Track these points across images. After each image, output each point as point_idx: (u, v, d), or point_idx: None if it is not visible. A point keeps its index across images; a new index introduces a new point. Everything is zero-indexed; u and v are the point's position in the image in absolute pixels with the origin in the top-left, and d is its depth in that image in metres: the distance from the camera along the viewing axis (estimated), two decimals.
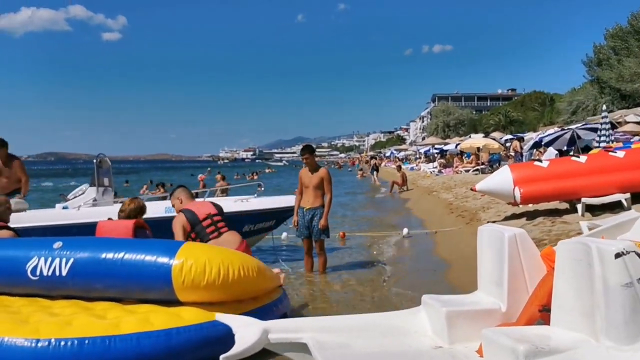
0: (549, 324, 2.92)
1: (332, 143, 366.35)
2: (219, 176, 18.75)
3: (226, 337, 3.55)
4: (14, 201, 8.26)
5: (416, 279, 7.13)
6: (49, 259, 4.32)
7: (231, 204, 8.18)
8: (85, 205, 8.32)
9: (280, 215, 8.43)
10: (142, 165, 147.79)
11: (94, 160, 8.85)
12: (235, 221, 7.99)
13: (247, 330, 3.44)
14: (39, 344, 3.74)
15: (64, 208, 8.66)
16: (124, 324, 3.91)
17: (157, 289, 4.14)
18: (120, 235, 4.70)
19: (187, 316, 4.05)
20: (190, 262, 4.07)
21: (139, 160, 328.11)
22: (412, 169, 35.56)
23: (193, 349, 3.92)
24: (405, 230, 10.70)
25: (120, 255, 4.24)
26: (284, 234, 10.38)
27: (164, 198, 10.33)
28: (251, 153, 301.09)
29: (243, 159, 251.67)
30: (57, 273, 4.29)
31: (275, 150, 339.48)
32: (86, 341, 3.76)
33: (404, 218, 14.24)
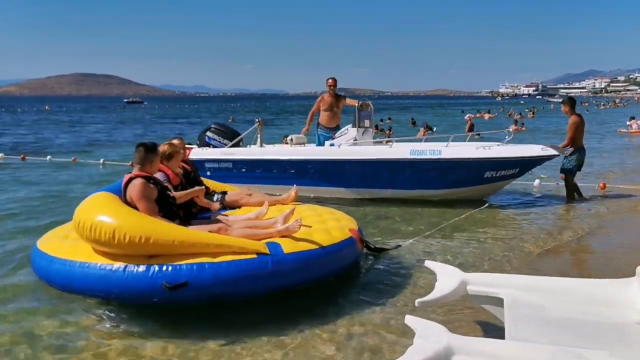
0: None
1: (631, 76, 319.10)
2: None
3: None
4: (296, 137, 9.78)
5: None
6: None
7: (472, 150, 8.23)
8: (347, 144, 9.13)
9: (524, 165, 8.23)
10: (421, 100, 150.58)
11: (356, 104, 9.54)
12: (476, 167, 8.08)
13: (447, 280, 3.70)
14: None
15: (331, 145, 9.63)
16: None
17: None
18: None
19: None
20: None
21: (419, 96, 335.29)
22: None
23: None
24: None
25: None
26: (537, 181, 10.09)
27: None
28: (533, 89, 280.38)
29: (523, 95, 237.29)
30: None
31: (561, 85, 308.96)
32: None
33: None
